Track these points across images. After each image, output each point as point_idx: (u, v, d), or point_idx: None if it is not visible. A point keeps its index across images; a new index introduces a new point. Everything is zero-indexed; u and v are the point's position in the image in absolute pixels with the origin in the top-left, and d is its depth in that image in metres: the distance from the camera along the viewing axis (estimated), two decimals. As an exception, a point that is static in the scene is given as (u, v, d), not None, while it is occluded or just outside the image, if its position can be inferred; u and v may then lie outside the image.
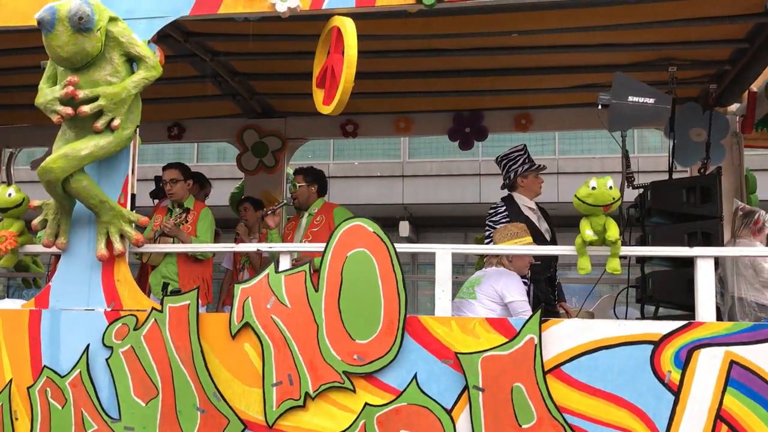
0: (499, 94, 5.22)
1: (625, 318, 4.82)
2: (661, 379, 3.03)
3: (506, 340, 3.13)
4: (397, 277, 3.23)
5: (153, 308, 3.37)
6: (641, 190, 4.58)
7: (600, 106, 3.36)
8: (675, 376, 3.02)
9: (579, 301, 5.16)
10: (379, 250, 3.26)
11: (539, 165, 4.39)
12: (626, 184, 4.72)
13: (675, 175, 4.74)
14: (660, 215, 4.54)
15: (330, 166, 14.76)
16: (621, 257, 3.29)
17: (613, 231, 3.19)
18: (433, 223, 14.44)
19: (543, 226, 4.41)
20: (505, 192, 4.47)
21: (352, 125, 5.54)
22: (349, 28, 3.23)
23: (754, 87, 4.61)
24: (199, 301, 4.46)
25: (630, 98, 3.33)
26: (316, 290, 3.28)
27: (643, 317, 4.62)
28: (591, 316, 5.05)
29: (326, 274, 3.28)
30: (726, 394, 2.98)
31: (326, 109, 3.43)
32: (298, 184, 4.51)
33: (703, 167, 4.72)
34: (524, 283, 4.18)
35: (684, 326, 3.07)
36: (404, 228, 13.25)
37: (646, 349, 3.05)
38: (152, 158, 12.15)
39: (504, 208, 4.31)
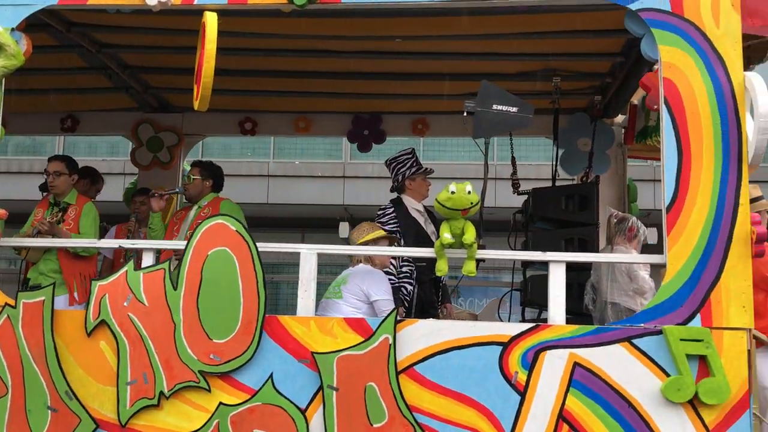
0: (397, 98, 5.28)
1: (508, 320, 4.96)
2: (508, 380, 3.11)
3: (362, 339, 3.17)
4: (257, 276, 3.23)
5: (6, 304, 3.28)
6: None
7: (466, 113, 3.44)
8: (522, 376, 3.10)
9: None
10: (241, 249, 3.26)
11: (426, 168, 4.47)
12: (512, 189, 4.87)
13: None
14: (543, 221, 4.67)
15: (270, 164, 14.66)
16: (479, 260, 3.38)
17: (470, 234, 3.26)
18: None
19: (429, 228, 4.48)
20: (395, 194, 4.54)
21: (250, 123, 5.51)
22: (209, 22, 3.21)
23: (635, 99, 4.78)
24: (78, 298, 4.40)
25: (494, 106, 3.41)
26: (175, 289, 3.26)
27: (523, 320, 4.74)
28: (474, 318, 5.16)
29: (186, 273, 3.26)
30: (568, 394, 3.07)
31: (195, 105, 3.41)
32: (192, 177, 4.45)
33: (585, 176, 4.87)
34: (409, 284, 4.25)
35: (532, 328, 3.16)
36: (344, 229, 13.24)
37: (496, 350, 3.13)
38: (85, 152, 11.87)
39: (392, 209, 4.37)
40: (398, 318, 3.19)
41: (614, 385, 3.06)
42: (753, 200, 3.84)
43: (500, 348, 3.13)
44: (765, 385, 3.50)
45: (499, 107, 3.41)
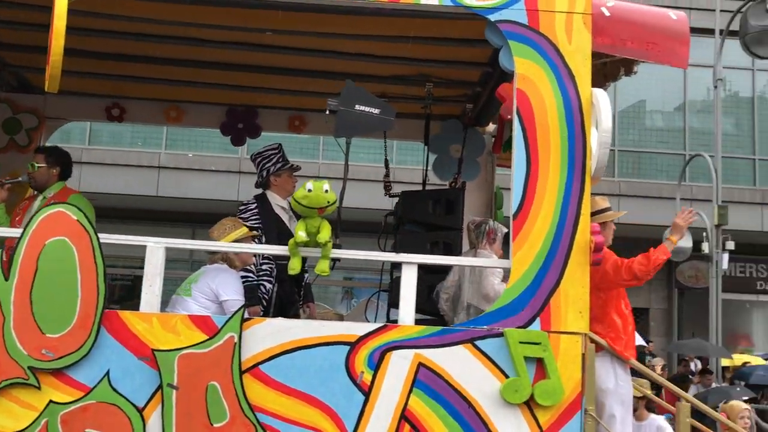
0: (274, 92, 5.20)
1: (375, 321, 4.99)
2: (354, 380, 3.11)
3: (207, 337, 3.08)
4: (98, 269, 3.08)
5: None
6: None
7: (328, 111, 3.42)
8: (367, 376, 3.12)
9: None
10: (82, 239, 3.10)
11: (293, 164, 4.42)
12: (384, 192, 4.90)
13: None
14: (412, 224, 4.73)
15: (161, 155, 14.14)
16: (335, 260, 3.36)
17: (325, 233, 3.24)
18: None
19: (293, 226, 4.42)
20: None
21: (118, 109, 5.26)
22: (59, -1, 3.02)
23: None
24: None
25: (357, 106, 3.42)
26: (6, 279, 3.05)
27: (388, 321, 4.78)
28: (341, 318, 5.16)
29: (20, 262, 3.06)
30: (412, 395, 3.12)
31: (46, 85, 3.20)
32: (37, 165, 4.17)
33: (454, 182, 4.98)
34: (268, 282, 4.18)
35: (380, 329, 3.18)
36: (237, 226, 12.98)
37: (343, 350, 3.13)
38: None
39: (255, 205, 4.28)
40: (246, 317, 3.13)
41: (456, 386, 3.13)
42: (600, 211, 4.04)
43: (347, 348, 3.13)
44: (602, 387, 3.68)
45: (362, 108, 3.42)
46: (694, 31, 16.46)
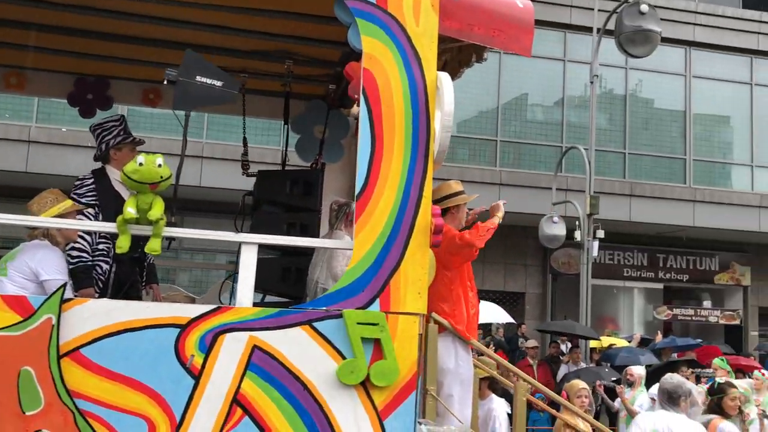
0: (126, 62, 4.91)
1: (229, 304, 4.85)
2: (184, 364, 2.98)
3: (21, 319, 2.85)
4: None
5: None
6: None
7: (166, 82, 3.24)
8: (198, 360, 3.00)
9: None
10: None
11: (135, 138, 4.19)
12: (242, 171, 4.76)
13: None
14: (270, 204, 4.62)
15: (32, 129, 13.18)
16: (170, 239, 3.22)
17: (157, 210, 3.08)
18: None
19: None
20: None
21: (-51, 74, 4.82)
22: None
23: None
24: None
25: (198, 78, 3.26)
26: None
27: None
28: (192, 300, 4.99)
29: None
30: (245, 378, 3.03)
31: None
32: None
33: (315, 163, 4.91)
34: (105, 262, 3.95)
35: (213, 310, 3.06)
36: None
37: (173, 333, 2.99)
38: None
39: (92, 180, 4.02)
40: (68, 297, 2.93)
41: (292, 369, 3.06)
42: (454, 195, 4.11)
43: (177, 330, 2.99)
44: (443, 367, 3.75)
45: (203, 80, 3.27)
46: (575, 28, 17.24)
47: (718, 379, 5.54)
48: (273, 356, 3.05)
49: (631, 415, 6.65)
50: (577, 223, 13.17)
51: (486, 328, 15.29)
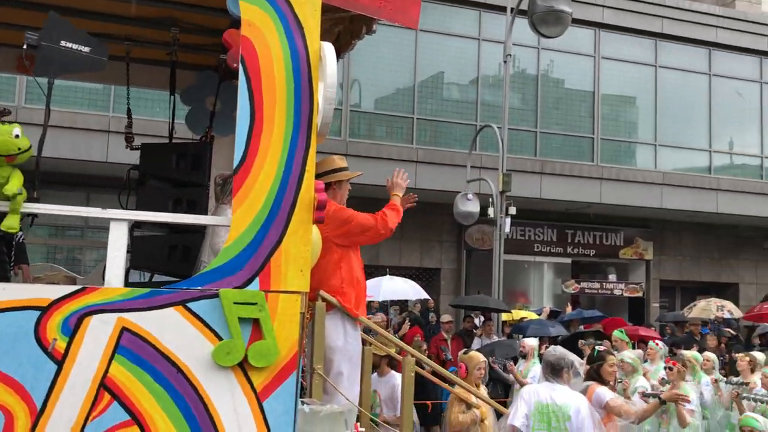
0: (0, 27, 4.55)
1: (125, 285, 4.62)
2: (45, 348, 2.80)
3: None
4: None
5: None
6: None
7: (26, 46, 3.00)
8: (61, 344, 2.82)
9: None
10: None
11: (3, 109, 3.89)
12: (126, 144, 4.52)
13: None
14: (156, 179, 4.41)
15: None
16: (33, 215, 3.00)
17: (13, 184, 2.86)
18: (53, 179, 12.77)
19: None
20: None
21: None
22: None
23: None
24: None
25: (63, 43, 3.03)
26: None
27: (127, 284, 4.45)
28: (72, 281, 4.74)
29: None
30: (113, 362, 2.87)
31: None
32: None
33: (205, 136, 4.72)
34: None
35: (78, 291, 2.88)
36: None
37: (32, 316, 2.80)
38: None
39: None
40: None
41: (164, 351, 2.93)
42: (337, 170, 4.02)
43: (38, 313, 2.80)
44: (331, 345, 3.70)
45: (69, 45, 3.04)
46: (489, 7, 17.35)
47: (597, 348, 5.76)
48: (144, 339, 2.90)
49: (522, 386, 6.84)
50: (490, 200, 13.41)
51: (403, 304, 15.44)
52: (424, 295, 13.58)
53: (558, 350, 4.44)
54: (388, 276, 14.02)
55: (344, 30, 4.08)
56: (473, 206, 13.56)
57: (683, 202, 16.75)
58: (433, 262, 17.28)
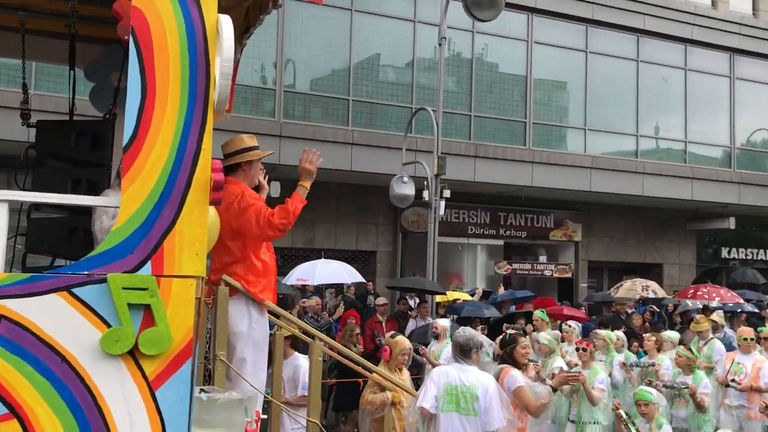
0: None
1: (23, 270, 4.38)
2: None
3: None
4: None
5: None
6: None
7: None
8: (-71, 335, 2.62)
9: None
10: None
11: None
12: (22, 121, 4.27)
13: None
14: (54, 159, 4.18)
15: None
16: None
17: None
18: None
19: None
20: None
21: None
22: None
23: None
24: None
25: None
26: None
27: (24, 268, 4.24)
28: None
29: None
30: (-10, 352, 2.69)
31: None
32: None
33: (108, 113, 4.50)
34: None
35: (-56, 278, 2.68)
36: None
37: None
38: None
39: None
40: None
41: (47, 340, 2.76)
42: (247, 149, 3.88)
43: None
44: (235, 330, 3.59)
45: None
46: (425, -10, 17.17)
47: (509, 331, 5.83)
48: (24, 327, 2.73)
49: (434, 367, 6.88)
50: (425, 183, 13.45)
51: (339, 287, 15.39)
52: (360, 278, 13.56)
53: (467, 331, 4.45)
54: (323, 259, 13.93)
55: (254, 4, 3.93)
56: (409, 189, 13.58)
57: (611, 185, 17.21)
58: (369, 245, 17.28)
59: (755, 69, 19.39)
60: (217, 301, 3.56)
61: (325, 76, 15.99)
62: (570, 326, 9.42)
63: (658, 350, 8.77)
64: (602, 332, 9.36)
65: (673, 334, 9.48)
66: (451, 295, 15.04)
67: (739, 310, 13.47)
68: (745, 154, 19.50)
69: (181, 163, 2.98)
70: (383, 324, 11.95)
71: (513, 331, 5.85)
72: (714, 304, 13.88)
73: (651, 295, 15.93)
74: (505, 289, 15.75)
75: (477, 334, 4.51)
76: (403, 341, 5.69)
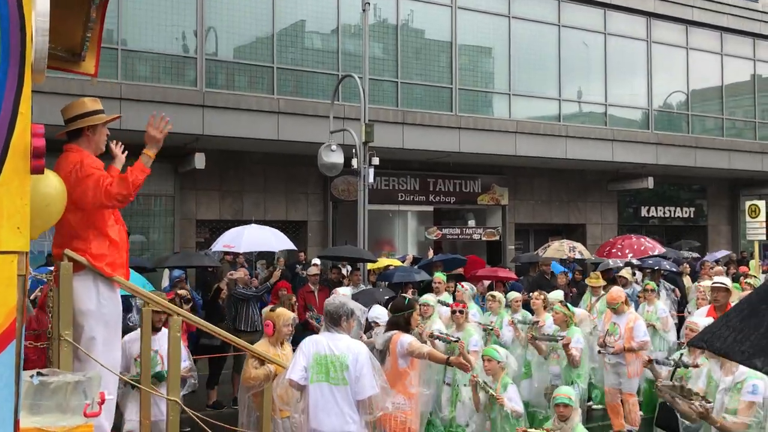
0: None
1: None
2: None
3: None
4: None
5: None
6: None
7: None
8: None
9: None
10: None
11: None
12: None
13: None
14: None
15: None
16: None
17: None
18: None
19: None
20: None
21: None
22: None
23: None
24: None
25: None
26: None
27: None
28: None
29: None
30: None
31: None
32: None
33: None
34: None
35: None
36: None
37: None
38: None
39: None
40: None
41: None
42: (90, 113, 3.64)
43: None
44: (81, 308, 3.39)
45: None
46: (346, -47, 16.83)
47: (407, 296, 5.77)
48: None
49: None
50: (354, 150, 13.30)
51: (269, 258, 15.16)
52: (290, 245, 13.28)
53: (337, 299, 4.35)
54: (253, 224, 13.60)
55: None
56: (337, 157, 13.39)
57: (535, 149, 17.39)
58: (300, 215, 17.08)
59: (670, 33, 19.79)
60: (59, 277, 3.34)
61: (248, 44, 15.54)
62: (463, 287, 9.52)
63: (545, 308, 8.96)
64: (497, 294, 9.51)
65: (558, 294, 9.68)
66: (382, 261, 15.04)
67: (656, 267, 13.88)
68: (662, 116, 19.99)
69: (-6, 129, 2.74)
70: (315, 294, 11.85)
71: (410, 296, 5.78)
72: (633, 261, 14.28)
73: (578, 256, 16.27)
74: (434, 254, 15.84)
75: (348, 302, 4.40)
76: (285, 313, 5.54)
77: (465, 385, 6.69)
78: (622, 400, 8.55)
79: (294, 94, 15.51)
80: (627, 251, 14.72)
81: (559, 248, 16.20)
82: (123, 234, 3.61)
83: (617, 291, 9.09)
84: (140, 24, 13.96)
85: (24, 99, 2.79)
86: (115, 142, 3.87)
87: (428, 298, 7.91)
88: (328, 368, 4.14)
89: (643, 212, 21.63)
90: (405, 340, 4.99)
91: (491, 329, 8.72)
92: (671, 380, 4.99)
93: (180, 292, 8.86)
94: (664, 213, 21.94)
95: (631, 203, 21.53)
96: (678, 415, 4.95)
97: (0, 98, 2.75)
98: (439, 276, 9.87)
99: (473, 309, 9.36)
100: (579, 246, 16.67)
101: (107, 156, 3.99)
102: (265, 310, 5.88)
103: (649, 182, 19.36)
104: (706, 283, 9.64)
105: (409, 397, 4.81)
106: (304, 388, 4.22)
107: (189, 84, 14.52)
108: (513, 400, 5.82)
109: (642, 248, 14.96)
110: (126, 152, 4.05)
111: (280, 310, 5.62)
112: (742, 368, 4.54)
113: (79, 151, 3.57)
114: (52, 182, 3.19)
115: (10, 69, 2.76)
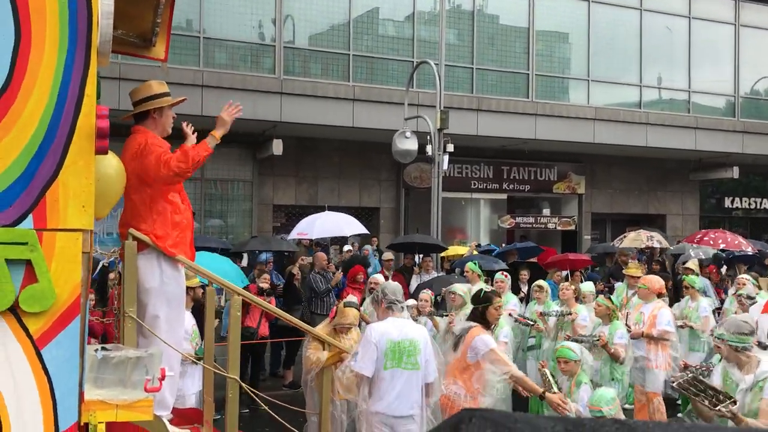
0: None
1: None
2: None
3: None
4: None
5: None
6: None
7: None
8: None
9: None
10: None
11: None
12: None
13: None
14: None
15: None
16: None
17: None
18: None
19: None
20: None
21: None
22: None
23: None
24: None
25: None
26: None
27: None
28: None
29: None
30: None
31: None
32: None
33: None
34: None
35: None
36: None
37: None
38: None
39: None
40: None
41: None
42: (157, 96, 3.69)
43: None
44: (146, 287, 3.45)
45: None
46: (422, -57, 16.64)
47: (484, 288, 5.59)
48: None
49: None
50: (428, 137, 13.19)
51: (341, 245, 15.30)
52: (362, 229, 13.26)
53: (392, 284, 4.30)
54: (326, 212, 13.73)
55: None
56: (411, 144, 13.29)
57: (614, 137, 16.77)
58: (373, 201, 17.13)
59: (760, 15, 18.62)
60: (124, 256, 3.43)
61: (324, 32, 15.64)
62: (504, 276, 9.19)
63: (576, 299, 8.54)
64: (543, 283, 9.13)
65: (590, 286, 9.18)
66: (455, 249, 14.89)
67: (732, 256, 13.20)
68: (749, 103, 18.86)
69: (62, 110, 2.81)
70: (389, 279, 11.85)
71: (489, 289, 5.63)
72: (712, 251, 13.65)
73: (656, 245, 15.62)
74: (509, 243, 15.59)
75: (399, 289, 4.37)
76: (349, 315, 5.48)
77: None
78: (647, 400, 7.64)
79: (369, 81, 15.50)
80: (720, 242, 14.02)
81: (636, 238, 15.56)
82: (188, 214, 3.68)
83: (652, 277, 8.51)
84: (220, 13, 14.27)
85: (90, 81, 2.85)
86: (186, 123, 3.94)
87: (458, 287, 7.66)
88: (402, 354, 4.16)
89: (727, 203, 20.54)
90: (488, 342, 4.81)
91: (532, 323, 8.43)
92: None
93: (262, 285, 9.03)
94: (749, 204, 20.76)
95: (714, 193, 20.49)
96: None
97: (67, 80, 2.82)
98: (472, 267, 9.62)
99: (513, 300, 9.10)
100: (657, 235, 15.98)
101: (178, 138, 4.06)
102: (342, 303, 5.87)
103: (735, 172, 18.34)
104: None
105: (468, 390, 4.71)
106: (373, 377, 4.21)
107: (267, 71, 14.75)
108: (582, 401, 5.34)
109: (736, 242, 14.21)
110: (195, 133, 4.11)
111: (348, 310, 5.56)
112: (763, 366, 4.28)
113: (145, 132, 3.64)
114: (112, 163, 3.27)
115: (77, 51, 2.83)
